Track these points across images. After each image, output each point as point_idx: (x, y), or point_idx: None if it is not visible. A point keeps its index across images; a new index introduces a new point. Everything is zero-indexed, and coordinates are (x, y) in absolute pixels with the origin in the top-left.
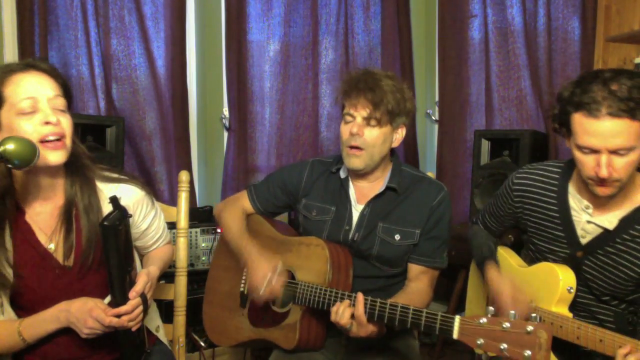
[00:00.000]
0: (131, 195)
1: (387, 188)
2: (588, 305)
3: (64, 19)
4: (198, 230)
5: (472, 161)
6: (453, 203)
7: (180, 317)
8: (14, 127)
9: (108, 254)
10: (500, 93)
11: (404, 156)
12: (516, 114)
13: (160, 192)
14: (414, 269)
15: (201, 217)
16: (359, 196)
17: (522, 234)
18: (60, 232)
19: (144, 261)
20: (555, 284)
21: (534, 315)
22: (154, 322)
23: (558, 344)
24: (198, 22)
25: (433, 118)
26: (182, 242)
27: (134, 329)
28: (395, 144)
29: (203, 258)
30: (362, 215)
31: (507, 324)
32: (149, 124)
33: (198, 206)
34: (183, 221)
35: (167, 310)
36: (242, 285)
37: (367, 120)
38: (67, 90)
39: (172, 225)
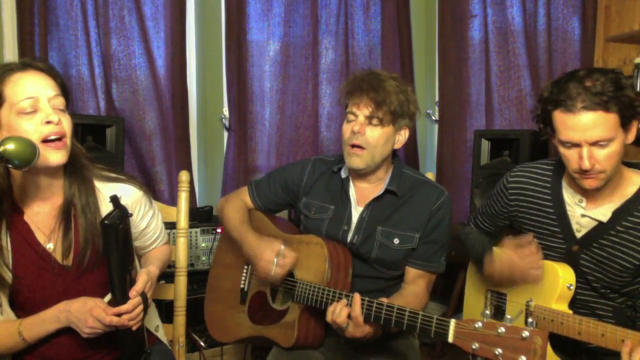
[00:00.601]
0: (130, 195)
1: (387, 191)
2: (587, 301)
3: (64, 19)
4: (198, 230)
5: (472, 161)
6: (453, 203)
7: (180, 317)
8: (14, 127)
9: (108, 252)
10: (500, 93)
11: (404, 156)
12: (516, 114)
13: (160, 192)
14: (411, 272)
15: (201, 217)
16: (359, 197)
17: (518, 233)
18: (59, 231)
19: (142, 261)
20: (555, 282)
21: (530, 320)
22: (153, 322)
23: (559, 342)
24: (198, 22)
25: (433, 118)
26: (182, 242)
27: (134, 328)
28: (397, 146)
29: (203, 258)
30: (361, 217)
31: (502, 329)
32: (149, 124)
33: (198, 206)
34: (183, 221)
35: (167, 310)
36: (242, 282)
37: (369, 119)
38: (65, 90)
39: (172, 225)
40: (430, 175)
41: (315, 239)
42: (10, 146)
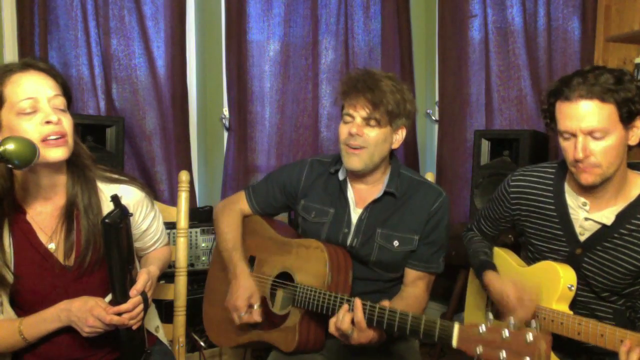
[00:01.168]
0: (132, 196)
1: (385, 193)
2: (587, 303)
3: (64, 18)
4: (198, 230)
5: (472, 161)
6: (453, 203)
7: (180, 317)
8: (15, 127)
9: (109, 252)
10: (500, 93)
11: (404, 156)
12: (516, 114)
13: (160, 192)
14: (410, 274)
15: (201, 217)
16: (358, 199)
17: (520, 235)
18: (61, 232)
19: (142, 262)
20: (556, 282)
21: (533, 323)
22: (153, 322)
23: (559, 342)
24: (198, 22)
25: (433, 118)
26: (182, 242)
27: (134, 327)
28: (395, 146)
29: (203, 258)
30: (360, 220)
31: (506, 332)
32: (149, 124)
33: (198, 206)
34: (183, 221)
35: (167, 310)
36: None
37: (367, 120)
38: (66, 90)
39: (172, 225)
40: (430, 175)
41: (315, 242)
42: (10, 146)
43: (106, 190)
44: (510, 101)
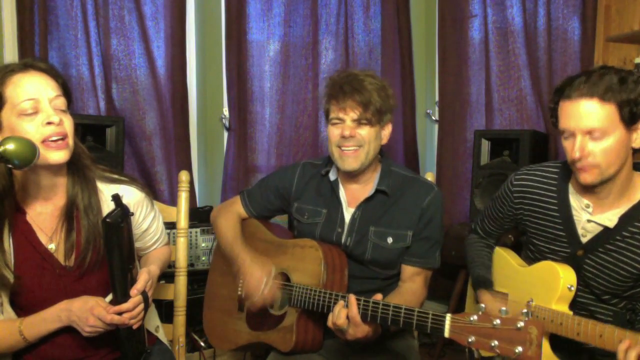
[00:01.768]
0: (132, 196)
1: (377, 191)
2: (587, 304)
3: (64, 19)
4: (198, 230)
5: (472, 161)
6: (453, 203)
7: (180, 317)
8: (16, 128)
9: (110, 251)
10: (500, 93)
11: (404, 156)
12: (516, 114)
13: (160, 192)
14: (407, 270)
15: (201, 217)
16: (350, 199)
17: (522, 235)
18: (61, 232)
19: (142, 262)
20: (555, 282)
21: (524, 311)
22: (153, 322)
23: (559, 343)
24: (198, 22)
25: (433, 118)
26: (182, 242)
27: (135, 326)
28: (384, 141)
29: (203, 258)
30: (353, 219)
31: (497, 321)
32: (149, 124)
33: (198, 206)
34: (183, 221)
35: (167, 310)
36: (239, 289)
37: (358, 121)
38: (66, 90)
39: (172, 225)
40: (430, 175)
41: (310, 242)
42: (10, 146)
43: (106, 191)
44: (510, 101)
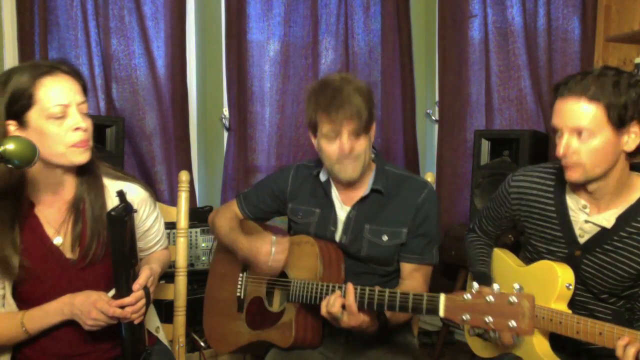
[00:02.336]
0: (136, 194)
1: (372, 190)
2: (586, 303)
3: (64, 19)
4: (198, 230)
5: (472, 161)
6: (453, 203)
7: (180, 317)
8: (44, 130)
9: (114, 245)
10: (500, 93)
11: (404, 156)
12: (516, 114)
13: (160, 192)
14: (406, 267)
15: (201, 217)
16: (344, 198)
17: (521, 235)
18: (68, 226)
19: (142, 263)
20: (554, 281)
21: (516, 286)
22: (154, 323)
23: (558, 342)
24: (198, 22)
25: (433, 118)
26: (182, 242)
27: (136, 321)
28: (372, 141)
29: (203, 258)
30: (348, 218)
31: (490, 297)
32: (149, 124)
33: (198, 206)
34: (183, 221)
35: (167, 310)
36: (238, 290)
37: (354, 134)
38: (86, 92)
39: (172, 225)
40: (430, 175)
41: (306, 238)
42: (10, 146)
43: (111, 186)
44: (510, 101)
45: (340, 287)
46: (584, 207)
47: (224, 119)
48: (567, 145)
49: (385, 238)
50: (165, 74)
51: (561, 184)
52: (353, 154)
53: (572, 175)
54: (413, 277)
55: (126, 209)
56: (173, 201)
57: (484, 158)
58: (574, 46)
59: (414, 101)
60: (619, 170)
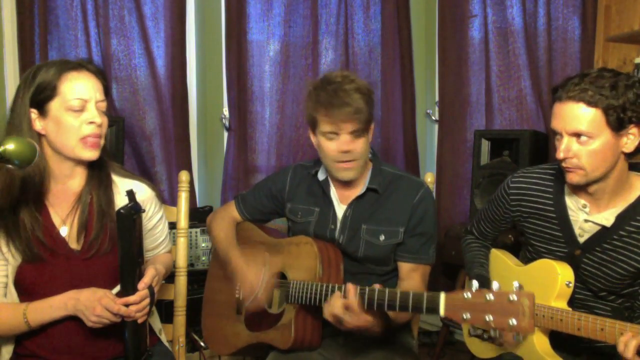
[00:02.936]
0: (143, 192)
1: (368, 189)
2: (586, 301)
3: (64, 19)
4: (198, 230)
5: (472, 161)
6: (453, 203)
7: (180, 317)
8: (60, 120)
9: (122, 243)
10: (500, 93)
11: (404, 156)
12: (516, 114)
13: (160, 192)
14: (404, 267)
15: (201, 217)
16: (341, 197)
17: (521, 235)
18: (75, 217)
19: (147, 264)
20: (553, 280)
21: (515, 284)
22: (156, 325)
23: (559, 340)
24: (198, 22)
25: (433, 118)
26: (182, 242)
27: (139, 321)
28: (370, 141)
29: (203, 258)
30: (345, 216)
31: (490, 296)
32: (149, 124)
33: (198, 206)
34: (183, 221)
35: (167, 310)
36: (237, 291)
37: (354, 134)
38: (108, 93)
39: (172, 225)
40: (430, 175)
41: (305, 238)
42: (10, 146)
43: (120, 182)
44: (510, 101)
45: (340, 288)
46: (584, 206)
47: (224, 119)
48: (567, 149)
49: (382, 238)
50: (165, 74)
51: (560, 185)
52: (352, 154)
53: (573, 178)
54: (411, 278)
55: (135, 208)
56: (173, 201)
57: (484, 158)
58: (574, 46)
59: (414, 101)
60: (619, 171)
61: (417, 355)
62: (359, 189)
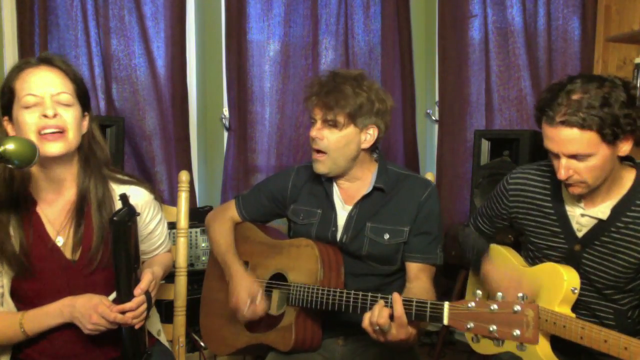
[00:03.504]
0: (140, 197)
1: (375, 188)
2: (588, 302)
3: (64, 19)
4: (198, 230)
5: (472, 161)
6: (453, 203)
7: (180, 317)
8: (19, 120)
9: (116, 250)
10: (500, 93)
11: (404, 156)
12: (516, 114)
13: (160, 192)
14: (412, 267)
15: (201, 217)
16: (346, 197)
17: (520, 235)
18: (70, 226)
19: (145, 266)
20: (559, 285)
21: (520, 295)
22: (155, 326)
23: (559, 344)
24: (198, 22)
25: (433, 118)
26: (182, 242)
27: (137, 326)
28: (365, 145)
29: (203, 258)
30: (350, 216)
31: (494, 306)
32: (149, 124)
33: (198, 206)
34: (183, 221)
35: (167, 310)
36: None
37: (325, 122)
38: (80, 88)
39: (172, 225)
40: (430, 175)
41: (305, 241)
42: (10, 146)
43: (117, 191)
44: (510, 101)
45: (341, 292)
46: (579, 200)
47: (224, 119)
48: (567, 168)
49: (386, 236)
50: (165, 74)
51: (557, 180)
52: (321, 142)
53: (576, 191)
54: (420, 278)
55: (129, 213)
56: (173, 201)
57: (484, 158)
58: (574, 46)
59: (414, 101)
60: (614, 171)
61: (417, 355)
62: (365, 189)
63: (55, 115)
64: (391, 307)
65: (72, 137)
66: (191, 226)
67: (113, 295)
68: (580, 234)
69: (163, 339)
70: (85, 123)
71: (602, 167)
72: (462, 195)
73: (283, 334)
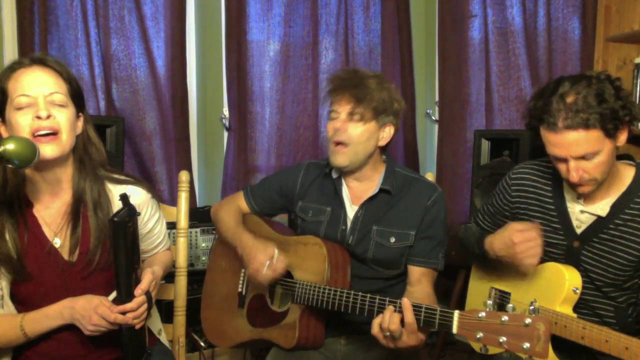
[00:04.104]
0: (138, 196)
1: (381, 190)
2: (588, 301)
3: (64, 19)
4: (198, 230)
5: (472, 161)
6: (453, 203)
7: (180, 317)
8: (12, 122)
9: (116, 250)
10: (500, 93)
11: (404, 156)
12: (516, 114)
13: (160, 192)
14: (415, 271)
15: (201, 217)
16: (353, 197)
17: None
18: (67, 228)
19: (144, 265)
20: (561, 284)
21: (531, 307)
22: (156, 325)
23: (559, 343)
24: (198, 22)
25: (433, 118)
26: (182, 242)
27: (137, 327)
28: (382, 143)
29: (203, 258)
30: (356, 217)
31: (505, 317)
32: (149, 124)
33: (198, 206)
34: (183, 221)
35: (167, 310)
36: (240, 285)
37: (351, 115)
38: (74, 88)
39: (172, 225)
40: (430, 175)
41: (313, 239)
42: (10, 146)
43: (114, 191)
44: (510, 101)
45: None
46: (579, 197)
47: (224, 119)
48: (578, 169)
49: (392, 240)
50: (165, 74)
51: (559, 176)
52: (345, 134)
53: (586, 189)
54: (422, 283)
55: (129, 213)
56: (173, 201)
57: (484, 158)
58: (574, 46)
59: (414, 101)
60: (613, 166)
61: (419, 356)
62: (372, 190)
63: (48, 117)
64: (400, 312)
65: (66, 139)
66: (191, 226)
67: (112, 295)
68: (579, 231)
69: (164, 338)
70: (80, 124)
71: (608, 161)
72: (462, 195)
73: (286, 331)
